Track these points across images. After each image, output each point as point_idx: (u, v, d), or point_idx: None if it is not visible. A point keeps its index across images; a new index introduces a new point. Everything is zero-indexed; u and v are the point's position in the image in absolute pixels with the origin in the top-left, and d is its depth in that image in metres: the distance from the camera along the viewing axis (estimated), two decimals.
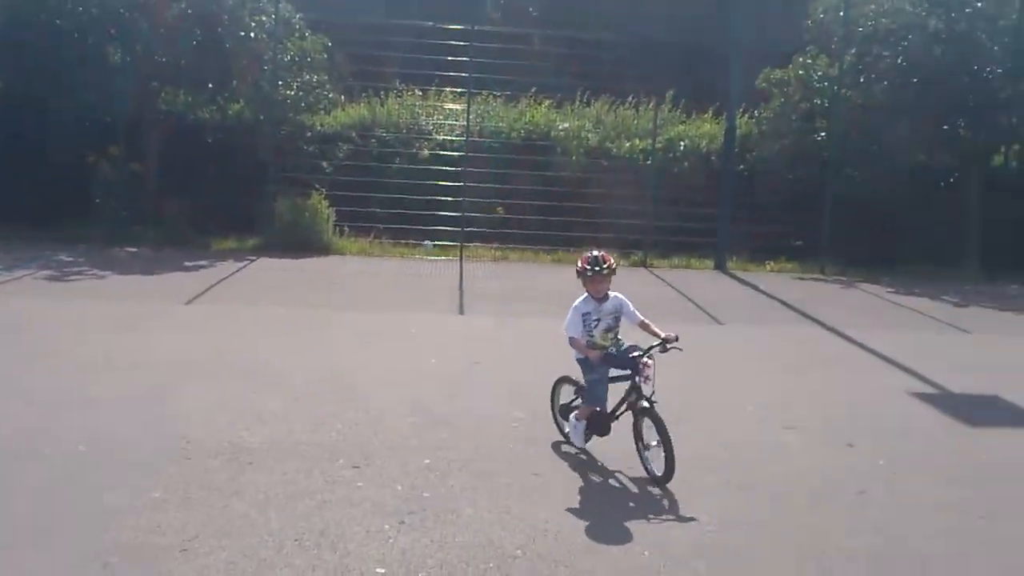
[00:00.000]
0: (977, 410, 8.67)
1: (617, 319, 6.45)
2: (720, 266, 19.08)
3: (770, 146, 20.76)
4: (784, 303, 14.90)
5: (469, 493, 5.88)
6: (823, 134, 20.56)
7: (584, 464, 6.57)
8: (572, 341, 6.39)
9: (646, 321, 6.43)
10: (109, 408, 7.41)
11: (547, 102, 22.21)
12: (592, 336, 6.39)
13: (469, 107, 19.98)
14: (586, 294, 6.46)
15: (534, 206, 18.99)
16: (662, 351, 6.23)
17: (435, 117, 21.24)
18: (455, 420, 7.48)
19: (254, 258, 17.05)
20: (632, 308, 6.49)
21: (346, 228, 18.86)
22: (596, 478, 6.32)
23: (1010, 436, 7.95)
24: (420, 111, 21.37)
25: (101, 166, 18.84)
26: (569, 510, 5.69)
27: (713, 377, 9.40)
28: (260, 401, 7.78)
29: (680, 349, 6.21)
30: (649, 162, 20.04)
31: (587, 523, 5.50)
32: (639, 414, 6.23)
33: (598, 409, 6.45)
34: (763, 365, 10.20)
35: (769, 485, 6.27)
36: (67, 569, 4.65)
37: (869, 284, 17.70)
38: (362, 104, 21.78)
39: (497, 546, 5.09)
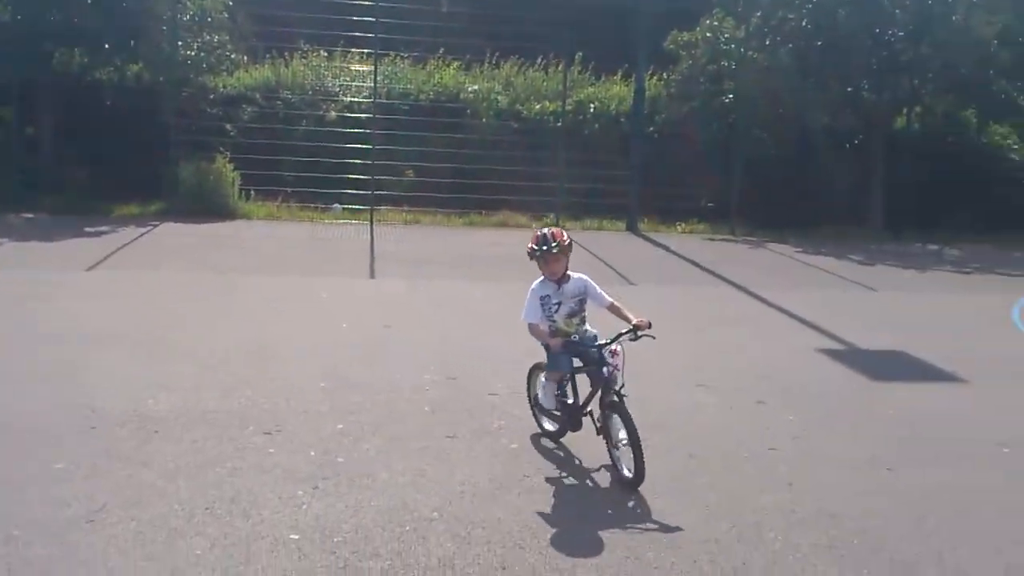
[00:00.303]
0: (883, 366, 8.89)
1: (582, 303, 5.85)
2: (632, 227, 19.27)
3: (678, 108, 20.98)
4: (695, 263, 15.13)
5: (383, 457, 5.82)
6: (731, 96, 20.81)
7: (498, 427, 6.56)
8: (531, 328, 5.81)
9: (616, 304, 5.81)
10: (9, 378, 7.15)
11: (456, 64, 22.06)
12: (554, 321, 5.81)
13: (376, 68, 19.70)
14: (543, 276, 5.85)
15: (444, 169, 18.89)
16: (632, 339, 5.56)
17: (341, 79, 20.95)
18: (367, 385, 7.39)
19: (157, 223, 16.65)
20: (599, 290, 5.90)
21: (252, 192, 18.52)
22: (510, 440, 6.29)
23: (915, 391, 8.16)
24: (326, 72, 21.05)
25: None
26: (484, 472, 5.67)
27: None
28: (166, 369, 7.59)
29: (653, 337, 5.56)
30: (559, 124, 20.05)
31: (502, 484, 5.49)
32: (607, 409, 5.59)
33: (569, 402, 6.01)
34: (675, 325, 10.20)
35: (683, 445, 6.31)
36: None
37: (777, 244, 18.08)
38: (266, 65, 21.37)
39: (413, 509, 5.04)
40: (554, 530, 4.88)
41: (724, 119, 20.68)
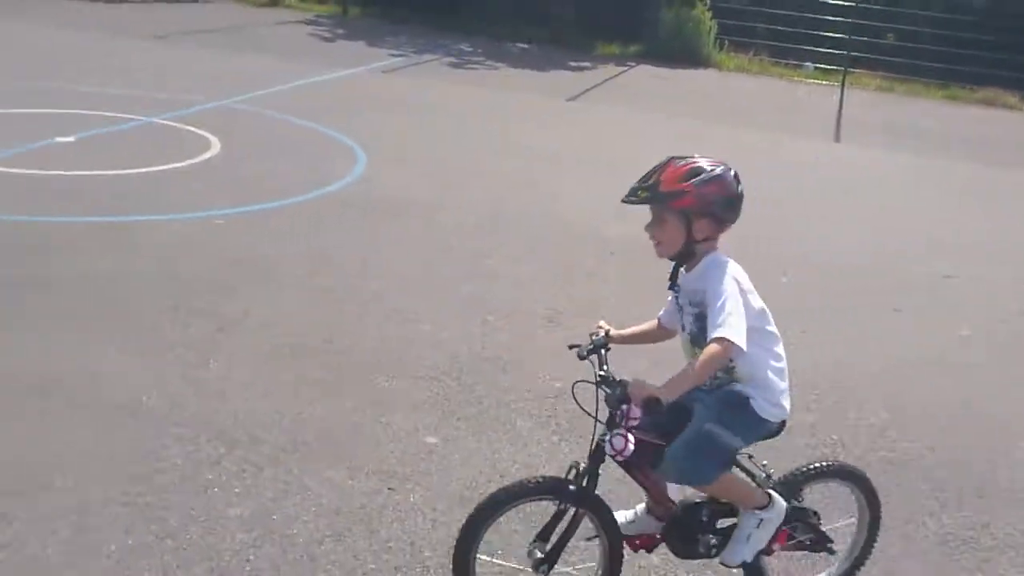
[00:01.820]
0: None
1: (702, 319, 2.87)
2: None
3: None
4: None
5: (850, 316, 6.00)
6: None
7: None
8: None
9: (725, 339, 2.72)
10: (498, 186, 8.34)
11: None
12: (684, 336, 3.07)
13: None
14: None
15: (930, 35, 17.66)
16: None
17: None
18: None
19: (634, 64, 17.42)
20: (721, 300, 2.79)
21: (726, 42, 18.61)
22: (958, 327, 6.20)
23: None
24: None
25: None
26: (919, 348, 5.70)
27: None
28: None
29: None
30: None
31: (933, 359, 5.50)
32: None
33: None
34: None
35: None
36: (450, 317, 5.42)
37: None
38: None
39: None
40: None
41: None
